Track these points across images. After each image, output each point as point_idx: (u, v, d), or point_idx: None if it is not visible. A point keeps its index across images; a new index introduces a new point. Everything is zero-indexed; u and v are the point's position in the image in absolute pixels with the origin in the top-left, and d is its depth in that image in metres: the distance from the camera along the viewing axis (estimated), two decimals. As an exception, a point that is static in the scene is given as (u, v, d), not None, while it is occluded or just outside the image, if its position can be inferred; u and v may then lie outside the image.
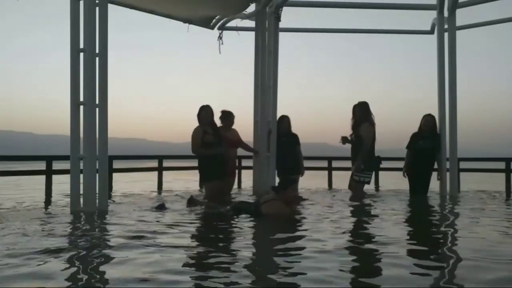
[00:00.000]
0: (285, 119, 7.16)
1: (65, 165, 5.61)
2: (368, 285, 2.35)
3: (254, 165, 7.44)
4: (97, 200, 5.09)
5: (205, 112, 6.16)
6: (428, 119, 7.08)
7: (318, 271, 2.53)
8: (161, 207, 5.16)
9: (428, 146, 7.05)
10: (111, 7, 5.51)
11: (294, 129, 7.23)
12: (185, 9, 7.52)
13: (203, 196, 6.18)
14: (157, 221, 4.30)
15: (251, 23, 7.83)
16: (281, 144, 7.13)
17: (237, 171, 8.01)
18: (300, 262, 2.79)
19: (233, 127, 6.92)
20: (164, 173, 8.52)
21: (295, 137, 7.15)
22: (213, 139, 6.03)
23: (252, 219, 4.46)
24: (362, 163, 6.87)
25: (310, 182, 8.61)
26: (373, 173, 7.38)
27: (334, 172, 9.21)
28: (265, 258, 3.03)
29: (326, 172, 9.24)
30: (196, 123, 6.19)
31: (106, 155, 5.19)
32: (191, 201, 5.52)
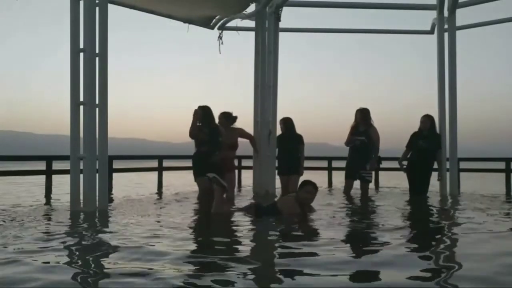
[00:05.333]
0: (281, 122, 7.19)
1: (65, 165, 5.61)
2: (368, 284, 2.35)
3: (254, 165, 7.44)
4: (97, 200, 5.09)
5: (203, 112, 6.20)
6: (425, 120, 7.09)
7: (319, 271, 2.54)
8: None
9: (428, 146, 7.05)
10: (111, 7, 5.51)
11: (297, 128, 7.24)
12: (185, 9, 7.52)
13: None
14: (157, 221, 4.30)
15: (251, 23, 7.83)
16: (283, 145, 7.14)
17: (236, 171, 7.98)
18: (301, 262, 2.79)
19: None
20: (165, 172, 8.53)
21: (298, 138, 7.13)
22: (207, 138, 6.09)
23: (252, 219, 4.46)
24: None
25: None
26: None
27: (334, 172, 9.22)
28: (265, 258, 3.03)
29: (326, 172, 9.26)
30: None
31: (106, 155, 5.20)
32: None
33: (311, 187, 4.74)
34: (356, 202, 6.31)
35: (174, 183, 9.02)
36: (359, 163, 6.89)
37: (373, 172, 7.04)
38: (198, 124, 6.12)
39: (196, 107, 6.24)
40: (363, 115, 6.92)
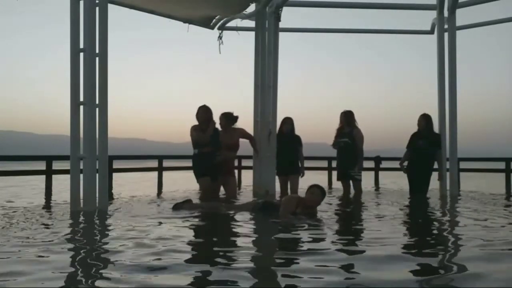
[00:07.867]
0: (288, 121, 7.18)
1: (65, 165, 5.61)
2: (369, 285, 2.34)
3: (254, 165, 7.44)
4: (97, 200, 5.09)
5: (202, 112, 6.24)
6: (420, 119, 7.18)
7: (319, 270, 2.54)
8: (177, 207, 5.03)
9: (428, 146, 7.06)
10: (111, 7, 5.51)
11: (295, 129, 7.25)
12: (185, 9, 7.52)
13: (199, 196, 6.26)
14: (157, 221, 4.30)
15: (251, 23, 7.83)
16: (283, 145, 7.15)
17: (236, 171, 7.98)
18: (301, 261, 2.79)
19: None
20: (165, 173, 8.54)
21: (297, 139, 7.15)
22: (207, 139, 6.14)
23: (252, 217, 4.46)
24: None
25: (310, 182, 8.59)
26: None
27: (334, 172, 9.21)
28: (266, 257, 3.02)
29: (326, 172, 9.27)
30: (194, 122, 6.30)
31: (106, 155, 5.19)
32: (177, 206, 5.12)
33: (315, 189, 4.80)
34: (354, 202, 6.31)
35: (174, 183, 9.02)
36: (346, 164, 7.11)
37: (362, 172, 7.19)
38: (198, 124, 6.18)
39: (198, 107, 6.29)
40: (347, 117, 7.15)
